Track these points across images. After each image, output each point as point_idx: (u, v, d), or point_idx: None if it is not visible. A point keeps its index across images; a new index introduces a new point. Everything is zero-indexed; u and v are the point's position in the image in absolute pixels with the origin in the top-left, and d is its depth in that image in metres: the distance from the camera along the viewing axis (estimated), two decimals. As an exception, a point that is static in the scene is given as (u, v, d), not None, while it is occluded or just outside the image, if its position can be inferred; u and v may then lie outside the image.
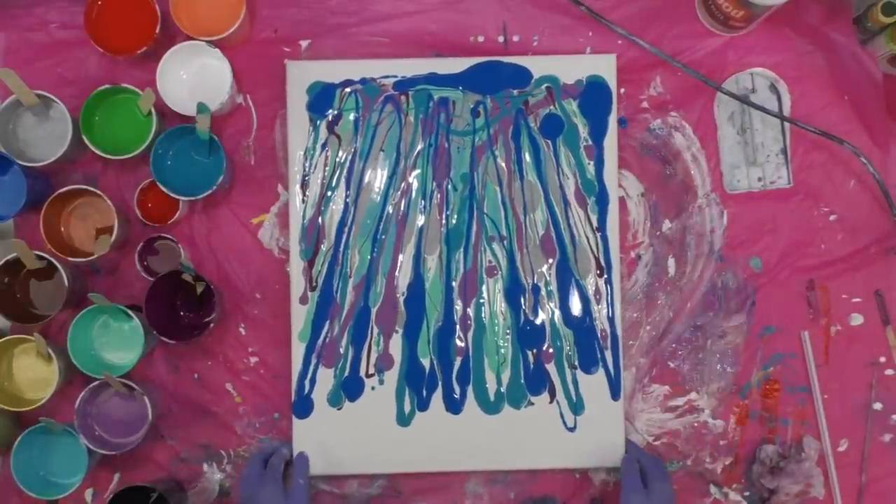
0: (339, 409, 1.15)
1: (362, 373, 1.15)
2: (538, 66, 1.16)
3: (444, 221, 1.15)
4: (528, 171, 1.16)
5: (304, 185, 1.15)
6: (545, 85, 1.16)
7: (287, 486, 1.11)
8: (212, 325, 1.12)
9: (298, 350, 1.15)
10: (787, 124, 1.18)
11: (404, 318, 1.15)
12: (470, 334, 1.15)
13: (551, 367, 1.15)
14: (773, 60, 1.18)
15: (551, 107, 1.16)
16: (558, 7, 1.18)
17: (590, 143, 1.16)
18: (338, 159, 1.16)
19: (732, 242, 1.18)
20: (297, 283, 1.15)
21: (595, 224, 1.16)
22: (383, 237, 1.15)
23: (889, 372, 1.18)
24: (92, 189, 1.11)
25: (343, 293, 1.15)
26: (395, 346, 1.15)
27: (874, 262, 1.18)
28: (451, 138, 1.16)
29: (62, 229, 1.14)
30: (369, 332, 1.15)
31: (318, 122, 1.15)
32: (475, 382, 1.15)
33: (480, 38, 1.18)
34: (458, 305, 1.15)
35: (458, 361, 1.15)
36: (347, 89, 1.15)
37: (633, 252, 1.18)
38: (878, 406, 1.18)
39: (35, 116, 1.12)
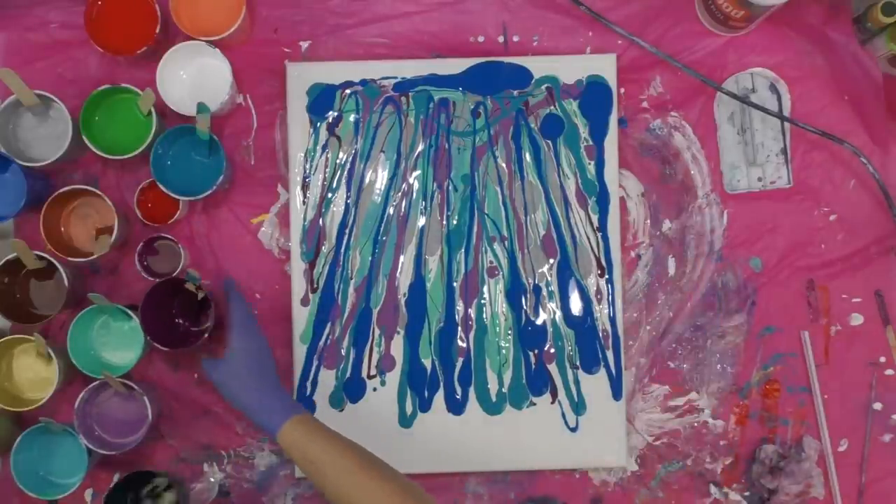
0: (340, 411, 1.15)
1: (364, 374, 1.15)
2: (538, 66, 1.16)
3: (444, 222, 1.15)
4: (529, 172, 1.16)
5: (305, 187, 1.15)
6: (545, 85, 1.16)
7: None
8: (206, 334, 1.11)
9: (300, 352, 1.15)
10: (787, 124, 1.18)
11: (406, 320, 1.15)
12: (471, 335, 1.15)
13: (553, 368, 1.15)
14: (773, 60, 1.18)
15: (551, 107, 1.16)
16: (558, 7, 1.17)
17: (590, 143, 1.16)
18: (338, 161, 1.15)
19: (732, 242, 1.18)
20: (299, 285, 1.15)
21: (596, 224, 1.16)
22: (384, 238, 1.15)
23: (889, 372, 1.18)
24: (92, 189, 1.11)
25: (344, 295, 1.15)
26: (397, 347, 1.15)
27: (874, 262, 1.18)
28: (451, 139, 1.16)
29: (62, 229, 1.14)
30: (371, 333, 1.15)
31: (319, 123, 1.15)
32: (477, 383, 1.15)
33: (480, 39, 1.18)
34: (460, 306, 1.15)
35: (459, 362, 1.15)
36: (347, 91, 1.15)
37: (633, 252, 1.18)
38: (878, 406, 1.18)
39: (35, 116, 1.12)
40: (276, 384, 1.05)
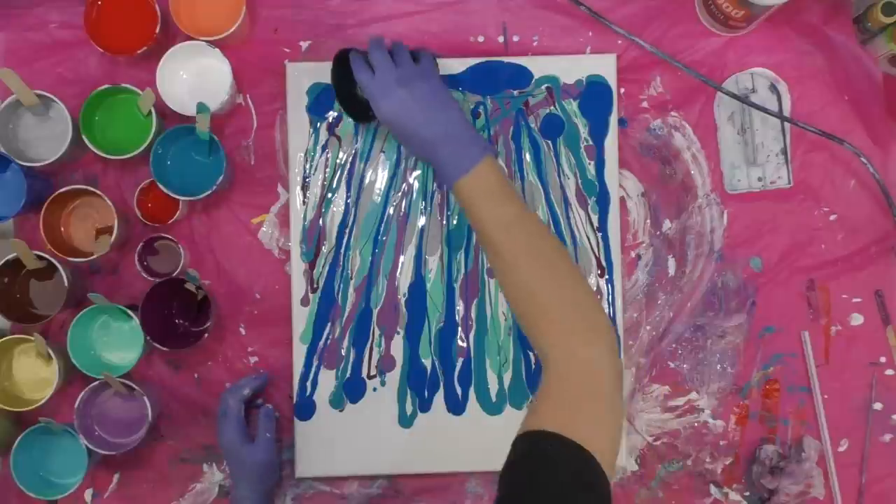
0: (340, 411, 1.15)
1: (364, 374, 1.15)
2: (538, 66, 1.16)
3: (444, 222, 1.15)
4: (529, 172, 1.16)
5: (305, 187, 1.15)
6: (545, 85, 1.16)
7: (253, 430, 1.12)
8: (206, 335, 1.12)
9: (300, 352, 1.15)
10: (787, 124, 1.18)
11: (406, 320, 1.15)
12: (471, 335, 1.15)
13: (553, 368, 1.15)
14: (773, 60, 1.18)
15: (551, 107, 1.16)
16: (558, 7, 1.17)
17: (590, 143, 1.16)
18: (338, 161, 1.15)
19: (732, 242, 1.18)
20: (298, 285, 1.15)
21: (596, 224, 1.16)
22: (384, 238, 1.15)
23: (889, 372, 1.18)
24: (92, 189, 1.11)
25: (344, 295, 1.15)
26: (397, 347, 1.15)
27: (874, 262, 1.18)
28: (452, 139, 1.16)
29: (62, 229, 1.14)
30: (371, 333, 1.15)
31: (319, 123, 1.15)
32: (477, 383, 1.15)
33: (480, 39, 1.18)
34: (460, 306, 1.15)
35: (459, 362, 1.15)
36: (348, 90, 1.15)
37: (633, 252, 1.18)
38: (878, 406, 1.18)
39: (35, 116, 1.12)
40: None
